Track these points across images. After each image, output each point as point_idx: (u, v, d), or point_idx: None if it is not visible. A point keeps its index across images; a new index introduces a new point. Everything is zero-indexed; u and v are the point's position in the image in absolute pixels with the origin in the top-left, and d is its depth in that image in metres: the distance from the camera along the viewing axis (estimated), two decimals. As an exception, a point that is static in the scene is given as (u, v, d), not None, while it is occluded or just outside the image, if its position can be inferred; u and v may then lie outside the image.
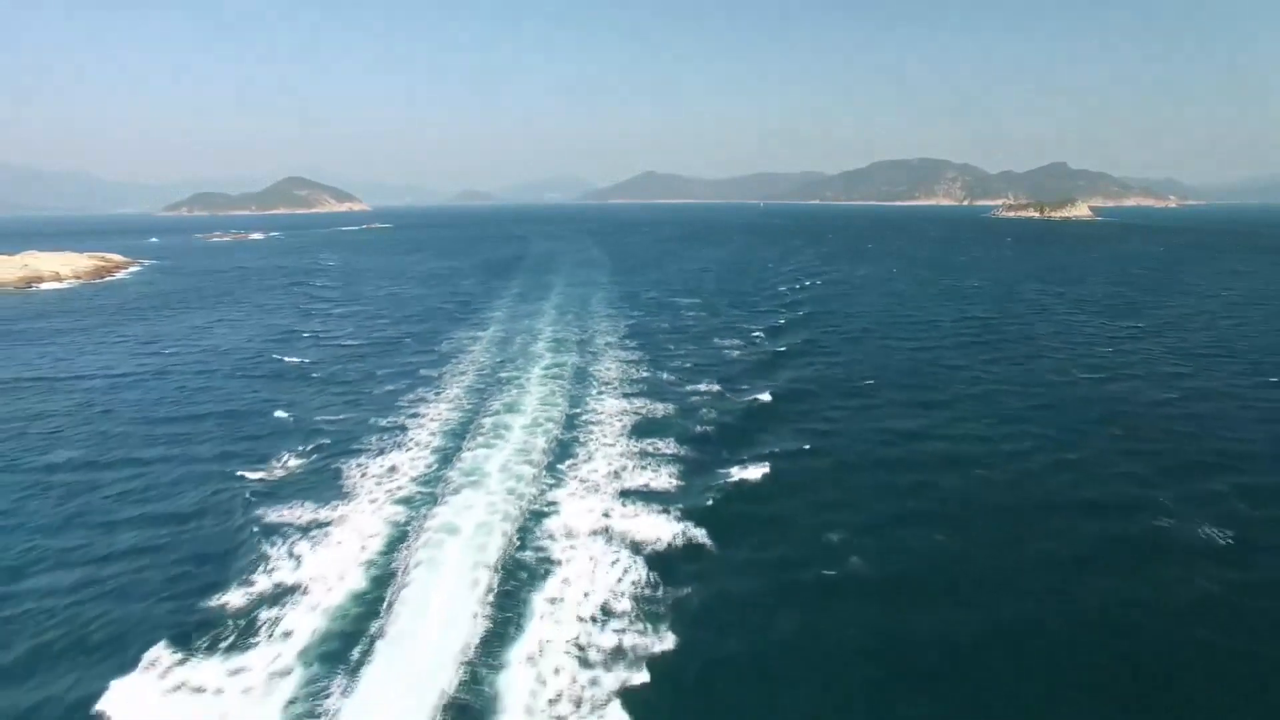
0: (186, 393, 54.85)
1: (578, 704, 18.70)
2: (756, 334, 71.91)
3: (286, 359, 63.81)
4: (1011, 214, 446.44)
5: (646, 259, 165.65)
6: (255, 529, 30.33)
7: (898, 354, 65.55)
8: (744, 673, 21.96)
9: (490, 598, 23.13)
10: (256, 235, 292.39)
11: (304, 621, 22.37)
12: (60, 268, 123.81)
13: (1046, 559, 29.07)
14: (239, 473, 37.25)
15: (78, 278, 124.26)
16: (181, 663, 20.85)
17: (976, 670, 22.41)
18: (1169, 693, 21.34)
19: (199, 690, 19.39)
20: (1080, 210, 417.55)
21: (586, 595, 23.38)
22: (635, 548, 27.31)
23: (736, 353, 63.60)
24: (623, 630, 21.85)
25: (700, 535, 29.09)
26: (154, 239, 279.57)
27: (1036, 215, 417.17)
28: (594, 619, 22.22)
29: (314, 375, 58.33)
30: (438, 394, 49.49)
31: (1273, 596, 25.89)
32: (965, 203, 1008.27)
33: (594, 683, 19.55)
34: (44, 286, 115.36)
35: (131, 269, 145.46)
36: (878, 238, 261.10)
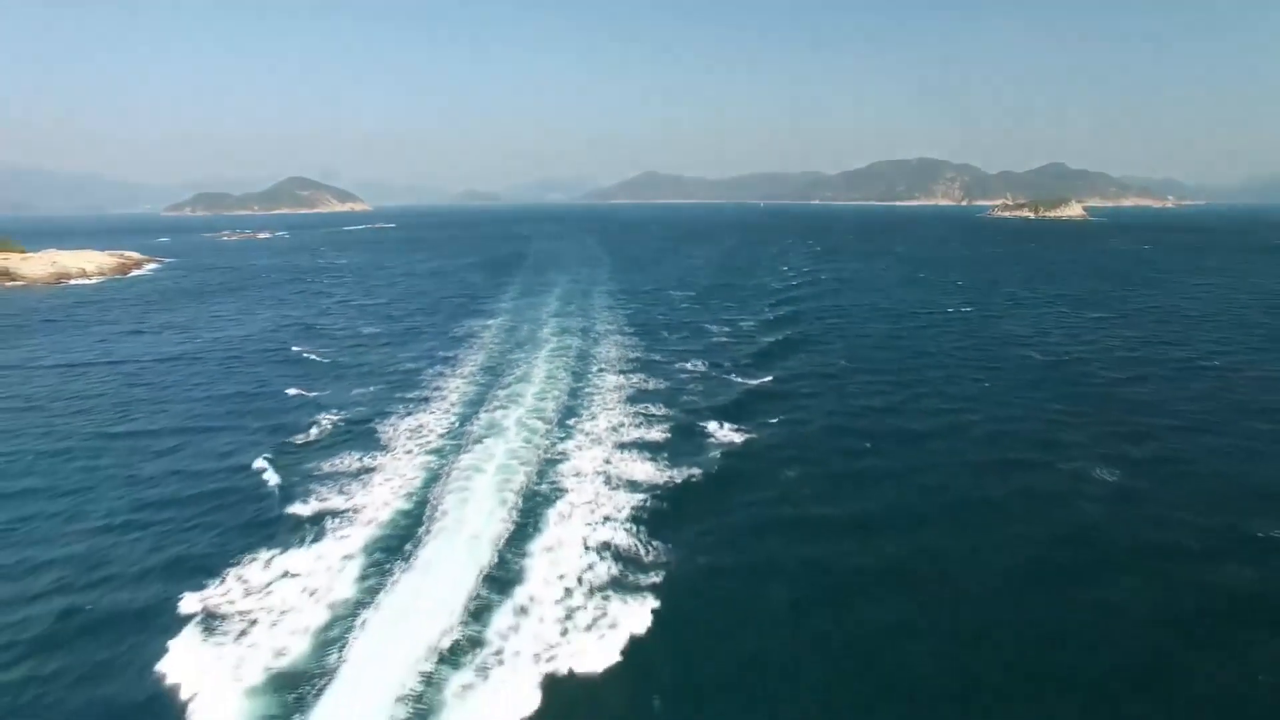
0: (224, 373, 60.67)
1: (580, 580, 24.57)
2: (744, 323, 77.77)
3: (312, 344, 69.65)
4: (1006, 214, 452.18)
5: (646, 257, 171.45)
6: (309, 476, 36.11)
7: (874, 341, 71.29)
8: (714, 575, 27.64)
9: (515, 512, 29.16)
10: (264, 234, 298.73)
11: (362, 532, 28.26)
12: (86, 264, 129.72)
13: (969, 501, 34.83)
14: (285, 438, 42.93)
15: (103, 274, 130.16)
16: (274, 558, 26.60)
17: (907, 576, 28.15)
18: (1051, 584, 27.15)
19: (294, 574, 25.11)
20: (1073, 210, 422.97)
21: (592, 511, 29.39)
22: (632, 485, 33.17)
23: (724, 339, 69.46)
24: (617, 532, 27.80)
25: (684, 477, 34.94)
26: (164, 238, 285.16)
27: (1030, 215, 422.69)
28: (599, 524, 28.23)
29: (341, 359, 64.07)
30: (455, 370, 55.40)
31: (1138, 523, 31.86)
32: (964, 203, 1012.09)
33: (591, 568, 25.48)
34: (73, 282, 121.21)
35: (150, 266, 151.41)
36: (872, 237, 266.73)
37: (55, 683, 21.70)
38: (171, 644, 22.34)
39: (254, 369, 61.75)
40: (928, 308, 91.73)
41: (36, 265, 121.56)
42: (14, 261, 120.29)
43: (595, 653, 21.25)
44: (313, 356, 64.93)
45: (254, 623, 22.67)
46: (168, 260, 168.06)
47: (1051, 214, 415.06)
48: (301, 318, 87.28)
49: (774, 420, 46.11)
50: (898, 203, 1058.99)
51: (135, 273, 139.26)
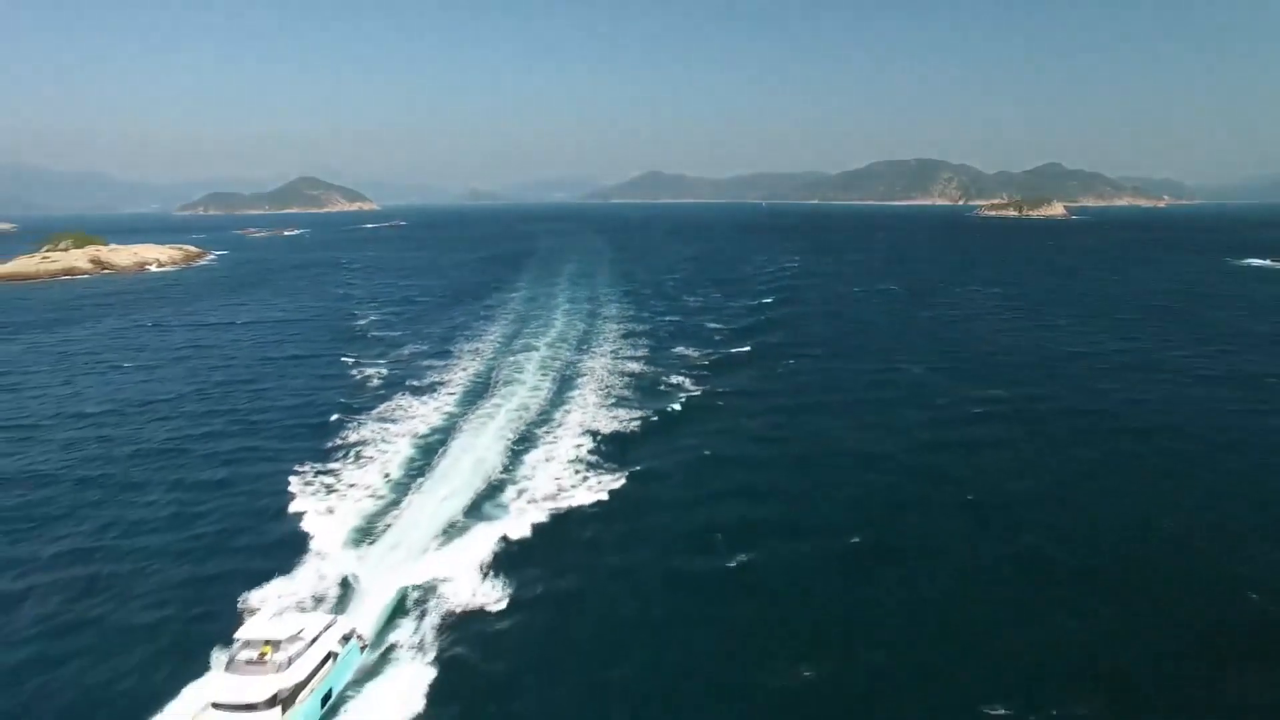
0: (311, 328, 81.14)
1: (597, 407, 45.28)
2: (715, 295, 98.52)
3: (377, 311, 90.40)
4: (993, 213, 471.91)
5: (643, 250, 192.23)
6: (405, 374, 56.53)
7: (825, 311, 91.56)
8: (675, 419, 47.80)
9: (552, 383, 50.09)
10: (289, 231, 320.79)
11: (447, 398, 49.18)
12: (159, 256, 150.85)
13: (859, 399, 54.61)
14: (379, 359, 63.12)
15: (174, 264, 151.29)
16: (385, 416, 47.09)
17: (798, 418, 48.29)
18: (886, 431, 47.50)
19: (394, 419, 45.60)
20: (1055, 210, 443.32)
21: (602, 384, 50.41)
22: (623, 374, 53.93)
23: (697, 303, 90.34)
24: (615, 392, 48.77)
25: (656, 371, 55.65)
26: (200, 235, 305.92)
27: (1015, 214, 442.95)
28: (604, 391, 49.46)
29: (404, 319, 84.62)
30: (494, 322, 76.49)
31: (931, 392, 52.56)
32: (961, 202, 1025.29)
33: (602, 406, 46.23)
34: (153, 270, 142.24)
35: (209, 258, 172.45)
36: (858, 234, 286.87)
37: (208, 504, 40.67)
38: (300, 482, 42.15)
39: (338, 325, 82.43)
40: (878, 290, 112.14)
41: (123, 255, 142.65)
42: (104, 253, 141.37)
43: (612, 427, 42.07)
44: (383, 317, 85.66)
45: (377, 439, 43.15)
46: (220, 253, 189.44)
47: (1035, 213, 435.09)
48: (359, 295, 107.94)
49: (729, 351, 66.11)
50: (895, 202, 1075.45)
51: (199, 263, 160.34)
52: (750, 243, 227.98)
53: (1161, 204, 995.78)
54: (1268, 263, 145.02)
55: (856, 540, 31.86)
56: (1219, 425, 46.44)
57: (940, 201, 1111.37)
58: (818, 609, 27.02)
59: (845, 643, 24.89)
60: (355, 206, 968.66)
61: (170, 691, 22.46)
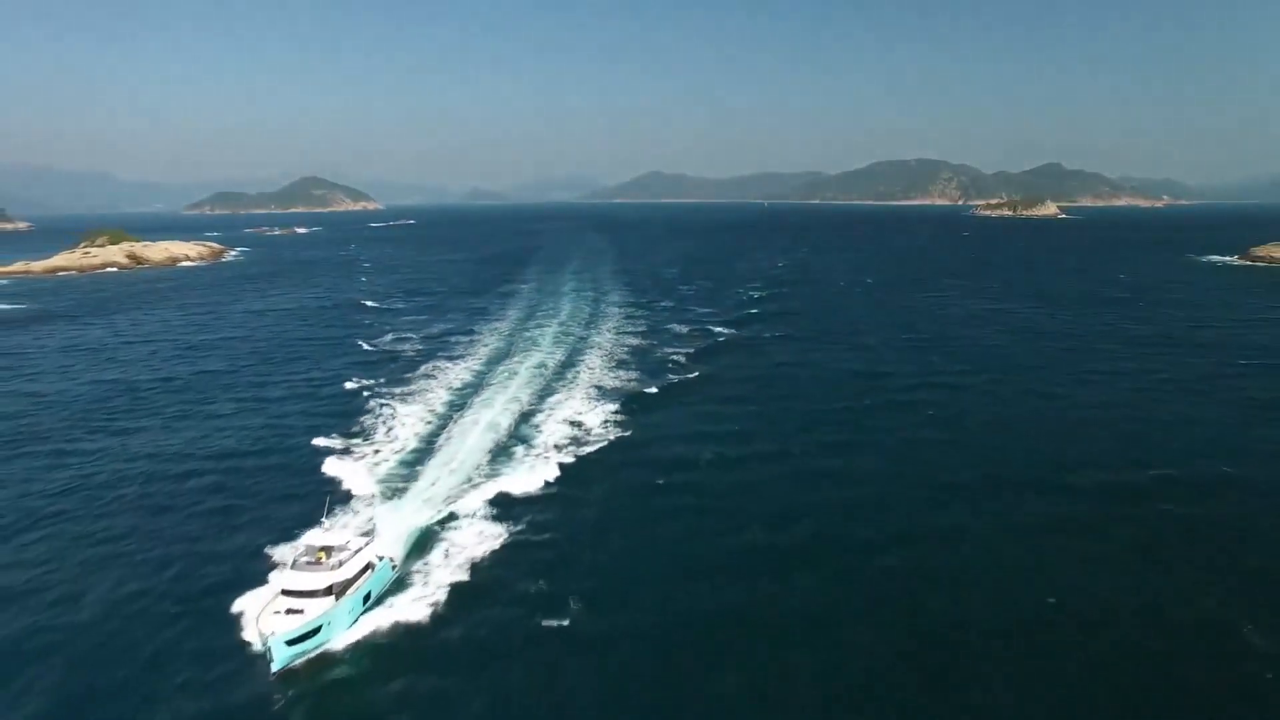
0: (345, 312, 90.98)
1: (599, 368, 54.96)
2: (708, 285, 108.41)
3: (404, 301, 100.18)
4: (989, 213, 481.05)
5: (643, 247, 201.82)
6: (435, 348, 66.19)
7: (807, 303, 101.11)
8: (667, 378, 57.42)
9: (563, 352, 59.85)
10: (302, 230, 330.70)
11: (474, 363, 58.72)
12: (189, 251, 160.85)
13: (832, 370, 64.38)
14: (405, 337, 72.81)
15: (203, 259, 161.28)
16: (419, 381, 56.78)
17: (776, 381, 57.91)
18: (855, 387, 57.14)
19: (433, 376, 55.23)
20: (1049, 209, 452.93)
21: (606, 354, 60.20)
22: (625, 344, 63.77)
23: (692, 292, 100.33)
24: (618, 357, 58.69)
25: (650, 343, 65.45)
26: (214, 233, 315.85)
27: (1010, 214, 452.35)
28: (612, 353, 59.14)
29: (428, 306, 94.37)
30: (508, 309, 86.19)
31: (891, 362, 62.28)
32: (960, 202, 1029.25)
33: (605, 368, 55.83)
34: (184, 264, 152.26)
35: (233, 254, 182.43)
36: (852, 234, 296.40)
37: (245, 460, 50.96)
38: (329, 444, 52.02)
39: (369, 309, 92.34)
40: (862, 283, 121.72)
41: (156, 251, 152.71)
42: (139, 249, 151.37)
43: (616, 385, 51.65)
44: (408, 304, 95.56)
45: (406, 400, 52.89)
46: (242, 249, 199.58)
47: (1029, 213, 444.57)
48: (382, 286, 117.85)
49: (719, 331, 75.57)
50: (895, 202, 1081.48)
51: (225, 258, 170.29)
52: (750, 241, 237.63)
53: (1160, 204, 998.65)
54: (1229, 259, 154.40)
55: (804, 463, 41.66)
56: (1113, 387, 56.24)
57: (940, 201, 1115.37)
58: (776, 501, 36.73)
59: (791, 520, 34.59)
60: (359, 206, 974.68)
61: (251, 558, 31.60)
